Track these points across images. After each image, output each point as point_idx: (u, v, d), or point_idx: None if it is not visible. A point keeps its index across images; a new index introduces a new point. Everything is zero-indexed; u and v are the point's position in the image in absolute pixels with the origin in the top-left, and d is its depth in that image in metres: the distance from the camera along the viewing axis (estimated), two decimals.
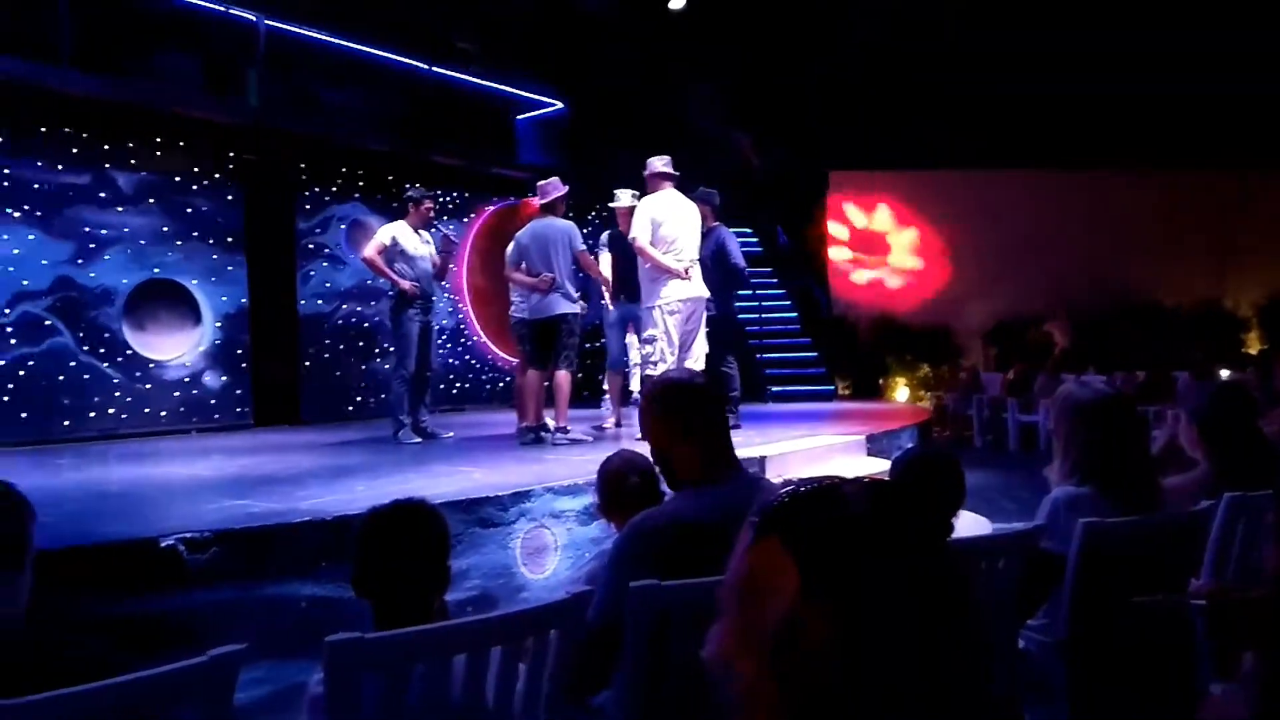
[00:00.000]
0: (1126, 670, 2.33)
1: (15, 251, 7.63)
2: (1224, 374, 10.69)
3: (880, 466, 6.00)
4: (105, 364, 8.08)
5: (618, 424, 7.54)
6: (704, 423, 2.13)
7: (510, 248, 6.75)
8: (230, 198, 9.00)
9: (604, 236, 7.66)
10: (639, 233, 6.06)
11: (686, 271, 6.04)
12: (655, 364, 6.08)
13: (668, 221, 6.05)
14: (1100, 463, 2.44)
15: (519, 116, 12.16)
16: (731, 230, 7.28)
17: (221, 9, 8.84)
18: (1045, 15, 13.64)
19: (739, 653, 0.79)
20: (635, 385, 8.39)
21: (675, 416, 2.14)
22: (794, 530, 0.78)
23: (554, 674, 1.81)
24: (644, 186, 6.43)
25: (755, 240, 13.15)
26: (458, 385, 10.97)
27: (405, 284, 6.69)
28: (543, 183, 6.58)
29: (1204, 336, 13.34)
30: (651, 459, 2.31)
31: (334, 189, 9.91)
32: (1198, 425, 2.79)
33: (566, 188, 6.53)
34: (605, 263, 7.52)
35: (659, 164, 6.28)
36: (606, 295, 7.57)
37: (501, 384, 11.20)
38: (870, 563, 0.76)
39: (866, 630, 0.74)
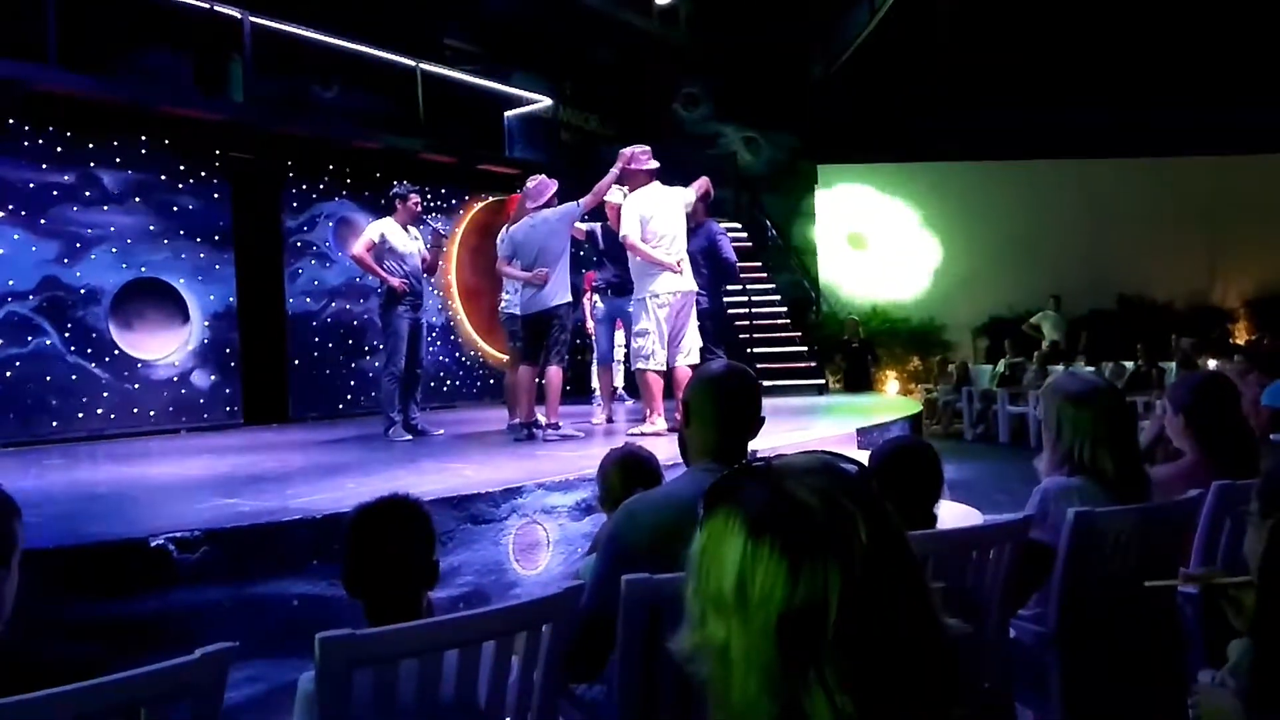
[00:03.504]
0: (1117, 658, 2.34)
1: (0, 252, 7.58)
2: (1211, 364, 10.75)
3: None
4: (93, 364, 8.03)
5: (609, 419, 7.54)
6: (716, 411, 2.19)
7: (503, 241, 6.71)
8: (217, 196, 8.96)
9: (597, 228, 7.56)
10: (629, 230, 6.01)
11: (678, 265, 6.03)
12: (646, 357, 6.07)
13: (657, 216, 6.01)
14: (1089, 453, 2.45)
15: (508, 112, 12.12)
16: (721, 224, 7.28)
17: (206, 5, 8.78)
18: (1035, 6, 13.67)
19: (709, 617, 0.85)
20: (620, 381, 8.39)
21: (689, 400, 2.27)
22: (735, 494, 0.87)
23: (546, 668, 1.81)
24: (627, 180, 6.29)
25: (745, 234, 13.15)
26: (448, 382, 10.95)
27: (395, 281, 6.66)
28: (532, 184, 6.45)
29: (1193, 328, 13.43)
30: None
31: (322, 186, 9.87)
32: (1183, 415, 2.81)
33: (556, 183, 6.48)
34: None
35: (642, 158, 6.16)
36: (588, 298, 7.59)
37: (492, 380, 11.19)
38: (803, 500, 0.83)
39: (806, 569, 0.80)
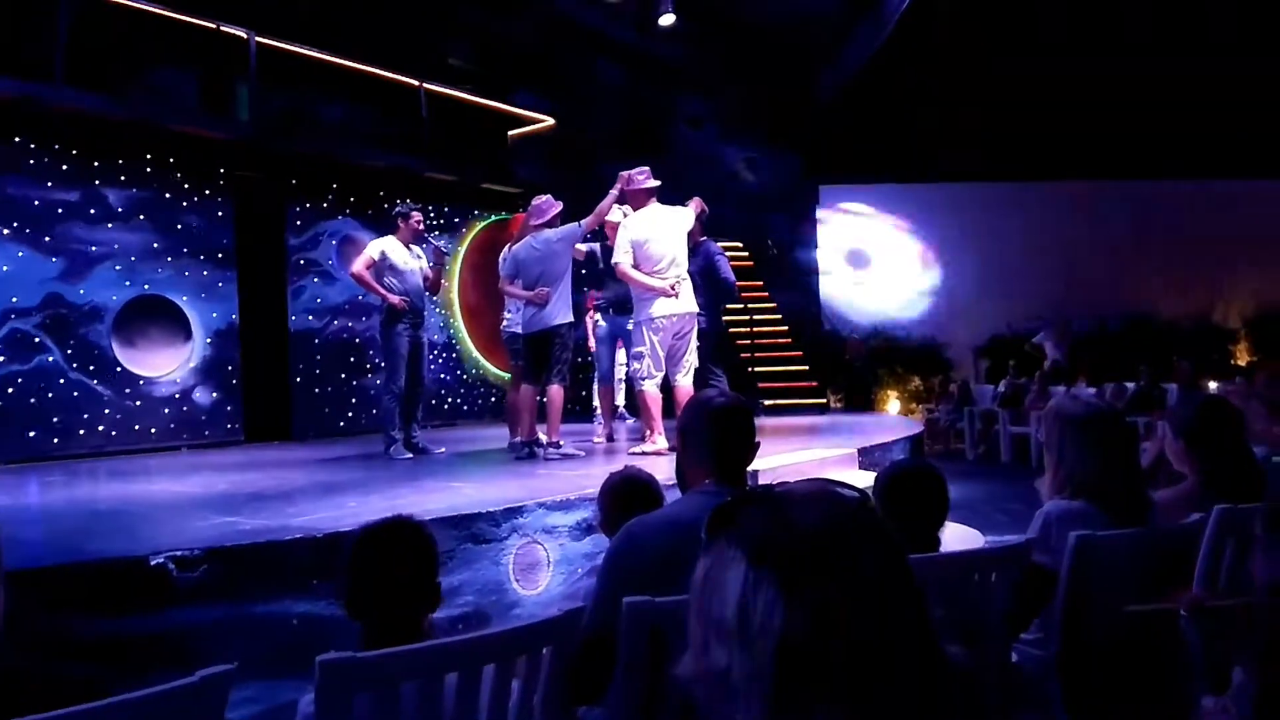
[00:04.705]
0: (1119, 683, 2.33)
1: (4, 268, 7.61)
2: (1212, 386, 10.74)
3: (871, 480, 5.99)
4: (95, 381, 8.04)
5: (609, 438, 7.53)
6: (710, 439, 2.21)
7: (505, 260, 6.72)
8: (221, 214, 8.99)
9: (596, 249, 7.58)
10: (620, 256, 6.00)
11: (673, 288, 6.01)
12: (643, 379, 6.07)
13: (653, 239, 5.99)
14: (1091, 476, 2.44)
15: (511, 131, 12.18)
16: (721, 244, 7.28)
17: (213, 25, 8.86)
18: (1037, 28, 13.74)
19: (710, 643, 0.85)
20: (621, 400, 8.39)
21: (685, 428, 2.30)
22: (737, 521, 0.88)
23: (547, 691, 1.80)
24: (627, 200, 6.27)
25: (746, 254, 13.18)
26: (449, 400, 10.95)
27: (394, 299, 6.67)
28: (538, 201, 6.48)
29: (1195, 348, 13.41)
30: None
31: (325, 204, 9.91)
32: (1184, 439, 2.80)
33: (560, 204, 6.51)
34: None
35: (640, 179, 6.13)
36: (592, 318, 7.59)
37: (493, 399, 11.19)
38: (805, 527, 0.84)
39: (807, 598, 0.80)
